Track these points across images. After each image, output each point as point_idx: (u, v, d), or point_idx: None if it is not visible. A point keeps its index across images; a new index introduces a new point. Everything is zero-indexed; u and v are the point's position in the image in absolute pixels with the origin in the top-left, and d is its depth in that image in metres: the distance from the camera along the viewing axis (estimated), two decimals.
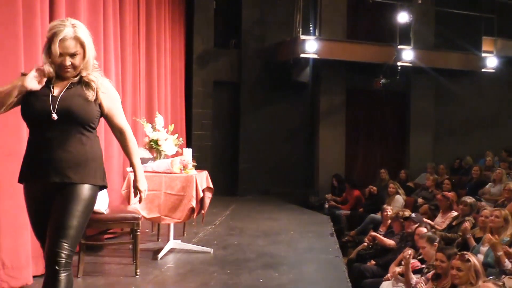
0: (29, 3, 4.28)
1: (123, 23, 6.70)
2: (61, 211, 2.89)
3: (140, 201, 3.32)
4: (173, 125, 6.16)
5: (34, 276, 4.33)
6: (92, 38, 3.05)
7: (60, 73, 2.96)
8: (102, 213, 4.69)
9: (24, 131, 4.09)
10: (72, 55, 2.92)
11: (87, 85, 3.01)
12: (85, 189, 2.95)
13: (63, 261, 2.84)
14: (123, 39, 6.66)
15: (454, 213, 7.04)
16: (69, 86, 3.00)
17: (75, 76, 3.00)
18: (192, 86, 11.02)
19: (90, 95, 2.99)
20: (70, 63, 2.93)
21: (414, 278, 5.11)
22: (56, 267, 2.81)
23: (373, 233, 7.00)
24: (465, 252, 4.39)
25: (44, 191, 2.93)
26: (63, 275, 2.82)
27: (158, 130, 5.75)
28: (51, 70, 2.93)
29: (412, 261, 5.54)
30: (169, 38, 9.10)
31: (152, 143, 5.69)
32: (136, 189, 3.30)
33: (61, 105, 2.92)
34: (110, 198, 5.09)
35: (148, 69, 7.94)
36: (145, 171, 5.36)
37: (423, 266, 5.37)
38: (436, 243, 5.30)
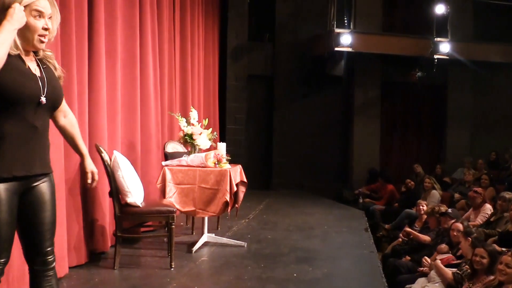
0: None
1: (161, 19, 6.77)
2: (49, 207, 2.67)
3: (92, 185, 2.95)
4: (207, 119, 6.20)
5: (70, 267, 4.45)
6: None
7: (28, 47, 2.55)
8: (138, 206, 4.76)
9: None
10: (49, 18, 2.56)
11: (49, 62, 2.69)
12: (52, 178, 2.75)
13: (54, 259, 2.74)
14: (160, 35, 6.74)
15: (486, 208, 6.93)
16: (42, 64, 2.63)
17: (36, 51, 2.61)
18: (226, 80, 11.06)
19: (57, 74, 2.71)
20: (47, 29, 2.55)
21: (449, 271, 5.04)
22: (53, 265, 2.71)
23: (408, 229, 6.92)
24: None
25: (25, 185, 2.58)
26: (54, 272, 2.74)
27: (193, 125, 5.80)
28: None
29: (445, 255, 5.47)
30: (202, 33, 9.16)
31: (186, 137, 5.74)
32: (91, 173, 2.95)
33: (48, 87, 2.58)
34: (145, 191, 5.16)
35: (182, 64, 8.01)
36: (179, 165, 5.48)
37: (459, 261, 5.29)
38: (469, 238, 5.21)
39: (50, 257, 2.70)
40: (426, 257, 5.68)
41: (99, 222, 5.06)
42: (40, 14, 2.52)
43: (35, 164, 2.57)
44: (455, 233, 5.68)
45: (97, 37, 4.94)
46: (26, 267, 2.73)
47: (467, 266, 4.93)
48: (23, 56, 2.54)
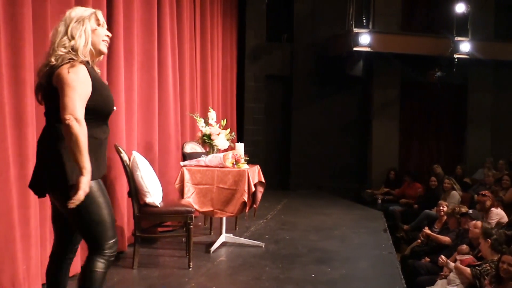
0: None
1: (181, 19, 6.80)
2: None
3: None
4: (225, 119, 6.22)
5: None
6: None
7: (95, 52, 2.93)
8: (157, 207, 4.79)
9: None
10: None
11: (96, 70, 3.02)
12: None
13: None
14: (180, 35, 6.77)
15: (493, 214, 6.84)
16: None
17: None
18: (244, 81, 11.08)
19: None
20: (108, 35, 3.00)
21: (468, 268, 4.98)
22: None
23: (427, 231, 6.85)
24: None
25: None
26: None
27: (211, 125, 5.82)
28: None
29: (466, 256, 5.41)
30: (221, 33, 9.19)
31: (205, 137, 5.77)
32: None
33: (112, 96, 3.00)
34: (164, 191, 5.19)
35: (203, 64, 8.05)
36: (198, 166, 5.50)
37: (480, 263, 5.22)
38: (489, 240, 5.14)
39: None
40: (442, 256, 5.61)
41: (117, 222, 5.08)
42: (101, 23, 2.94)
43: (106, 164, 3.04)
44: (474, 230, 5.60)
45: (116, 39, 4.99)
46: None
47: (486, 264, 4.86)
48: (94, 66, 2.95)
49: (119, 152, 4.69)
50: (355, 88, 11.70)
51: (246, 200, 5.31)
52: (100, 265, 2.87)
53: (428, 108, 12.43)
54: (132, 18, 5.37)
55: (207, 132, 5.76)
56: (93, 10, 2.94)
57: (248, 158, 5.79)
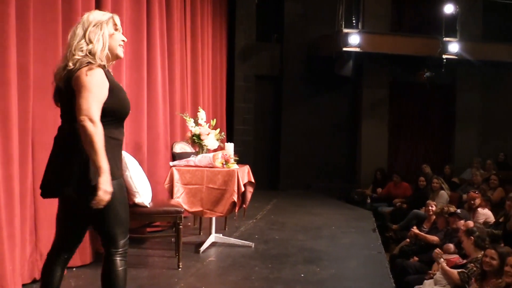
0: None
1: (171, 19, 6.79)
2: None
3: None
4: (215, 119, 6.21)
5: (71, 267, 4.45)
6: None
7: (106, 54, 2.93)
8: (146, 207, 4.78)
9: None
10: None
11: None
12: None
13: None
14: (170, 35, 6.75)
15: (480, 214, 6.90)
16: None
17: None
18: (234, 81, 11.07)
19: None
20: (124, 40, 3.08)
21: (455, 271, 5.01)
22: None
23: (415, 230, 6.89)
24: None
25: None
26: None
27: (201, 125, 5.82)
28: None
29: (452, 256, 5.44)
30: (211, 33, 9.18)
31: (194, 137, 5.76)
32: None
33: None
34: (153, 192, 5.17)
35: (193, 65, 8.04)
36: (187, 166, 5.49)
37: (465, 261, 5.26)
38: (472, 237, 5.19)
39: None
40: (438, 249, 5.63)
41: None
42: (118, 28, 3.02)
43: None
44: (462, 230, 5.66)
45: None
46: None
47: (472, 265, 4.90)
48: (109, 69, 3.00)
49: None
50: (345, 88, 11.74)
51: (236, 200, 5.31)
52: (120, 263, 2.95)
53: (417, 108, 12.50)
54: (121, 18, 5.33)
55: (197, 132, 5.75)
56: (110, 14, 3.00)
57: (237, 158, 5.80)
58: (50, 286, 3.02)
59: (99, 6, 4.89)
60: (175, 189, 5.35)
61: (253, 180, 5.84)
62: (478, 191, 7.59)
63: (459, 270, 4.97)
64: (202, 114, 5.92)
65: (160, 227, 6.14)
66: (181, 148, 6.46)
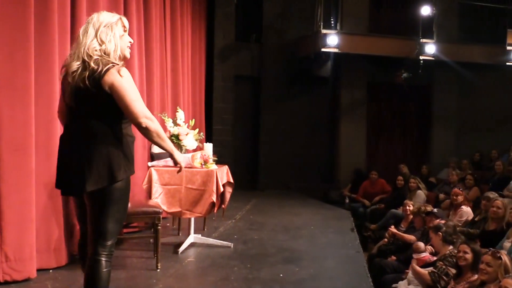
0: None
1: (149, 19, 6.73)
2: None
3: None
4: (194, 120, 6.19)
5: (38, 270, 4.39)
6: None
7: (119, 55, 3.05)
8: None
9: (32, 127, 4.14)
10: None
11: None
12: None
13: None
14: (148, 34, 6.70)
15: (463, 212, 7.02)
16: None
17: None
18: (213, 81, 11.05)
19: None
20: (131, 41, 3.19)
21: (425, 272, 5.07)
22: None
23: (393, 230, 6.95)
24: (498, 250, 4.34)
25: None
26: None
27: (179, 125, 5.79)
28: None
29: (423, 254, 5.50)
30: (190, 33, 9.14)
31: (173, 137, 5.72)
32: None
33: None
34: (133, 192, 5.13)
35: (173, 64, 7.99)
36: (166, 166, 5.46)
37: (435, 258, 5.33)
38: (440, 233, 5.27)
39: None
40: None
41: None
42: (126, 29, 3.12)
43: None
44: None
45: None
46: None
47: (441, 263, 4.97)
48: None
49: None
50: (323, 89, 11.79)
51: (215, 200, 5.30)
52: (105, 264, 2.99)
53: (394, 108, 12.63)
54: None
55: (175, 132, 5.72)
56: (118, 16, 3.11)
57: (216, 159, 5.78)
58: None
59: (74, 3, 4.84)
60: (154, 190, 5.32)
61: (232, 181, 5.84)
62: (461, 189, 7.67)
63: (430, 270, 5.04)
64: (180, 114, 5.89)
65: (137, 227, 6.09)
66: (160, 148, 6.41)
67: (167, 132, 5.78)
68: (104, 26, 2.99)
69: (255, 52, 11.61)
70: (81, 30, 3.03)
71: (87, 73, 2.87)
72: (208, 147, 5.78)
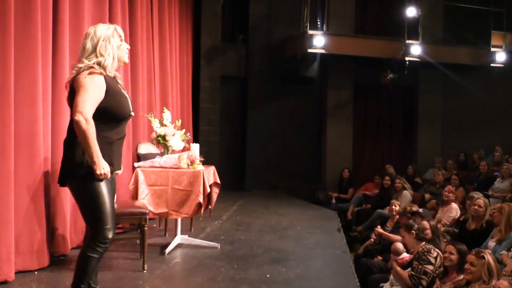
0: None
1: (134, 20, 6.71)
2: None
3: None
4: (180, 120, 6.17)
5: (20, 272, 4.35)
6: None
7: (119, 63, 3.37)
8: None
9: (11, 127, 4.09)
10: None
11: (119, 81, 3.45)
12: None
13: None
14: (133, 35, 6.67)
15: (452, 209, 7.10)
16: (119, 82, 3.39)
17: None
18: (199, 81, 11.03)
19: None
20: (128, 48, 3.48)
21: (406, 274, 5.10)
22: None
23: (379, 230, 6.99)
24: (482, 249, 4.37)
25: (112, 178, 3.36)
26: None
27: (166, 126, 5.77)
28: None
29: (403, 255, 5.53)
30: (177, 33, 9.11)
31: (159, 138, 5.71)
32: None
33: (131, 104, 3.43)
34: (118, 193, 5.11)
35: (161, 65, 7.97)
36: (152, 167, 5.43)
37: (411, 256, 5.36)
38: (413, 231, 5.31)
39: None
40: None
41: (60, 225, 4.98)
42: (122, 38, 3.38)
43: (121, 162, 3.47)
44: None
45: (62, 38, 4.89)
46: None
47: (416, 263, 5.01)
48: (116, 78, 3.34)
49: None
50: (310, 89, 11.83)
51: (201, 201, 5.28)
52: (94, 251, 3.32)
53: (380, 109, 12.71)
54: (81, 17, 5.26)
55: (162, 133, 5.70)
56: (113, 26, 3.35)
57: (203, 159, 5.77)
58: None
59: (56, 4, 4.81)
60: (140, 191, 5.29)
61: (218, 181, 5.83)
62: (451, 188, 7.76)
63: (409, 272, 5.06)
64: (167, 115, 5.87)
65: (124, 228, 6.06)
66: (146, 149, 6.40)
67: (154, 132, 5.76)
68: (103, 41, 3.23)
69: (242, 52, 11.61)
70: (81, 46, 3.30)
71: (71, 78, 3.22)
72: (195, 147, 5.76)
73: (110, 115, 3.25)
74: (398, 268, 5.24)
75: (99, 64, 3.20)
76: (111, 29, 3.31)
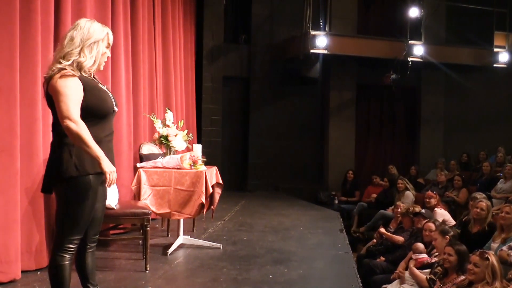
0: None
1: (135, 19, 6.71)
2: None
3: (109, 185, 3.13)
4: (183, 121, 6.17)
5: (22, 271, 4.36)
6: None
7: (94, 69, 3.23)
8: (113, 209, 4.71)
9: (17, 128, 4.11)
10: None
11: (97, 78, 3.31)
12: None
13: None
14: (135, 36, 6.67)
15: (437, 214, 7.09)
16: (95, 78, 3.27)
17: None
18: (202, 82, 11.03)
19: None
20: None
21: (423, 276, 5.10)
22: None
23: (382, 230, 6.99)
24: (486, 251, 4.37)
25: (102, 178, 3.15)
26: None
27: (168, 126, 5.77)
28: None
29: (421, 256, 5.53)
30: (182, 34, 9.12)
31: (162, 138, 5.71)
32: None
33: (113, 98, 3.29)
34: (120, 193, 5.11)
35: (165, 65, 7.96)
36: (155, 167, 5.43)
37: (434, 260, 5.35)
38: (448, 236, 5.29)
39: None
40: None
41: None
42: (109, 46, 3.27)
43: (114, 161, 3.22)
44: (427, 233, 5.77)
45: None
46: None
47: (439, 268, 4.99)
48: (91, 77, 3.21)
49: None
50: (312, 90, 11.82)
51: (204, 201, 5.28)
52: (60, 259, 3.13)
53: (383, 109, 12.69)
54: (84, 17, 5.25)
55: (164, 133, 5.70)
56: (107, 30, 3.21)
57: (205, 160, 5.77)
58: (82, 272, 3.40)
59: (58, 4, 4.81)
60: (142, 191, 5.29)
61: (221, 182, 5.83)
62: (436, 192, 7.75)
63: (427, 275, 5.05)
64: (169, 115, 5.87)
65: (127, 229, 6.06)
66: (149, 149, 6.40)
67: (156, 133, 5.76)
68: (93, 42, 3.11)
69: (244, 53, 11.61)
70: (68, 34, 3.12)
71: (46, 78, 3.08)
72: (197, 148, 5.77)
73: (93, 113, 3.10)
74: (415, 270, 5.23)
75: (78, 64, 3.07)
76: (104, 32, 3.19)
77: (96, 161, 3.00)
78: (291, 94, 11.64)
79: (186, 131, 5.91)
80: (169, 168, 5.41)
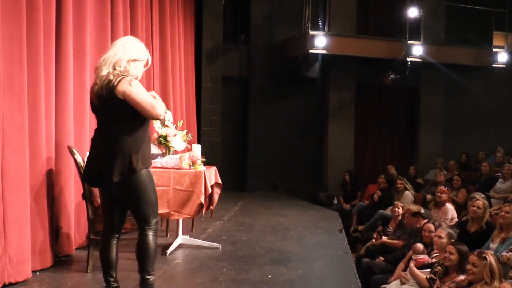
0: None
1: (135, 19, 6.71)
2: None
3: None
4: (182, 121, 6.17)
5: (33, 271, 4.37)
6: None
7: None
8: None
9: (26, 128, 4.13)
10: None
11: None
12: None
13: None
14: (134, 35, 6.65)
15: (448, 210, 7.11)
16: None
17: None
18: (201, 82, 11.03)
19: None
20: None
21: (423, 276, 5.10)
22: None
23: (384, 240, 6.96)
24: (484, 250, 4.37)
25: None
26: None
27: (167, 126, 5.76)
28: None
29: (421, 256, 5.53)
30: (182, 34, 9.11)
31: (161, 138, 5.70)
32: None
33: None
34: None
35: (162, 66, 7.96)
36: (154, 167, 5.42)
37: (433, 260, 5.35)
38: (453, 240, 5.28)
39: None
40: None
41: (64, 225, 4.97)
42: (147, 67, 3.82)
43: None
44: (427, 234, 5.77)
45: (65, 38, 4.89)
46: None
47: (439, 268, 4.99)
48: None
49: (72, 154, 4.60)
50: (311, 90, 11.82)
51: (203, 201, 5.28)
52: (152, 237, 3.75)
53: (382, 109, 12.70)
54: (84, 17, 5.26)
55: (163, 133, 5.70)
56: (148, 54, 3.71)
57: (205, 160, 5.76)
58: (111, 261, 3.90)
59: (59, 4, 4.81)
60: None
61: (220, 182, 5.82)
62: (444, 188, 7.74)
63: (428, 275, 5.05)
64: (168, 115, 5.86)
65: (126, 229, 6.04)
66: None
67: (155, 133, 5.76)
68: (137, 60, 3.60)
69: (243, 53, 11.61)
70: (120, 42, 3.61)
71: (106, 82, 3.45)
72: (196, 148, 5.76)
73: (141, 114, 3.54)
74: (415, 270, 5.23)
75: (126, 72, 3.53)
76: (146, 55, 3.69)
77: (149, 159, 3.65)
78: (290, 94, 11.64)
79: (185, 131, 5.91)
80: (168, 168, 5.41)
